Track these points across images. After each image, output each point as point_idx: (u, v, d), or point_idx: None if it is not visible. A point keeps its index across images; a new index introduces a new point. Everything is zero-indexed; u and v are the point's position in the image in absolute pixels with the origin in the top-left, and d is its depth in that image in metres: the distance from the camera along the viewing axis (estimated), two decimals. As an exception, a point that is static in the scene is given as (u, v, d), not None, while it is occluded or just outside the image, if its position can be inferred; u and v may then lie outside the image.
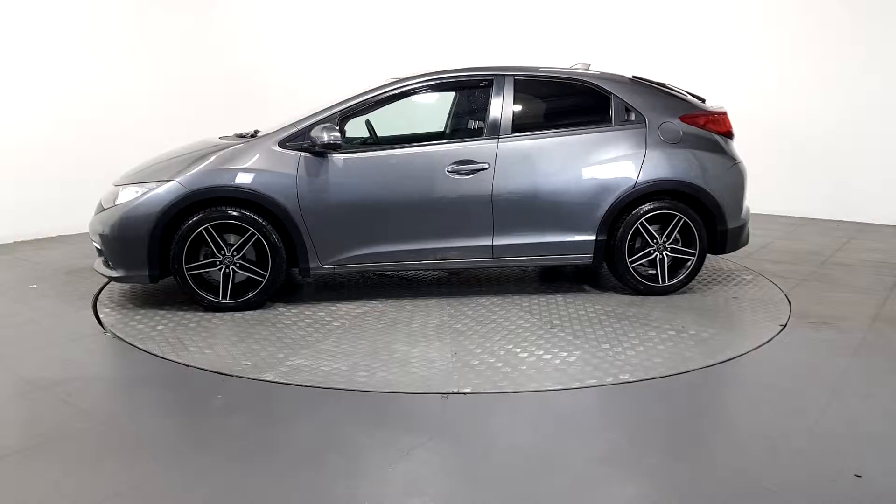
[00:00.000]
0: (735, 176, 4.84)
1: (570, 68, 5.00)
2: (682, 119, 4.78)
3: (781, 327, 4.17)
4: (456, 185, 4.43)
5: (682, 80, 8.03)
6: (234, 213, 4.25)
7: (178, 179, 4.23)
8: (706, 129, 4.82)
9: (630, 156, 4.64)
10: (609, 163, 4.62)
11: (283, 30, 8.45)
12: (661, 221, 4.73)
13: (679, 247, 4.77)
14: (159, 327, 4.10)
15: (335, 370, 3.47)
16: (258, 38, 8.25)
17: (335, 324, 4.19)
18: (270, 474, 2.52)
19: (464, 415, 3.04)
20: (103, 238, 4.33)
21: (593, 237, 4.63)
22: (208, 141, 4.74)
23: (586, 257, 4.67)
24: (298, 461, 2.62)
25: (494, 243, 4.54)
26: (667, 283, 4.78)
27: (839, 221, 7.78)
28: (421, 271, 5.30)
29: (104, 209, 4.39)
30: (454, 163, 4.44)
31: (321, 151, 4.33)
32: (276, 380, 3.35)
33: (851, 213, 7.82)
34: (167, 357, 3.65)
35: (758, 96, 8.26)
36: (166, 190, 4.21)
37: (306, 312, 4.41)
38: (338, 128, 4.33)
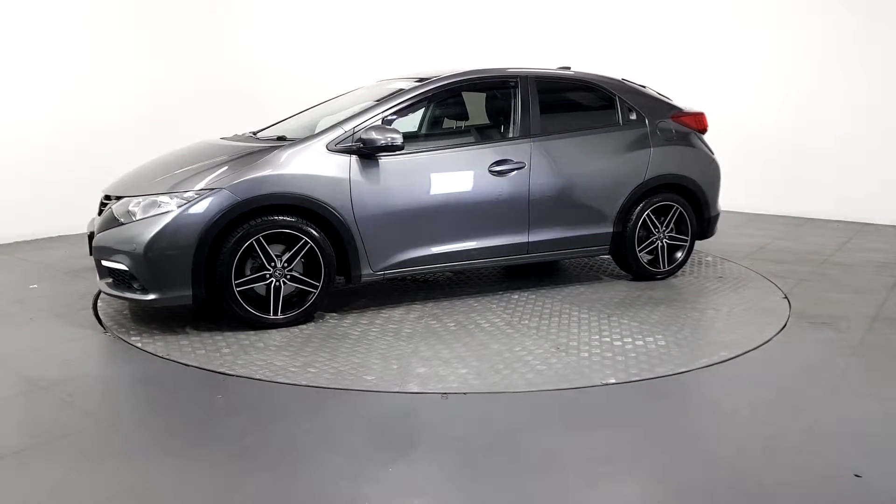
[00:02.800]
0: (715, 169, 5.35)
1: (556, 70, 5.21)
2: (673, 118, 5.21)
3: (781, 327, 4.17)
4: (498, 184, 4.53)
5: (683, 81, 8.06)
6: (293, 221, 3.97)
7: (223, 186, 3.86)
8: (691, 127, 5.29)
9: (638, 153, 4.98)
10: (623, 160, 4.95)
11: (283, 30, 8.45)
12: (658, 212, 5.09)
13: (675, 234, 5.16)
14: (224, 350, 3.72)
15: (463, 375, 3.39)
16: (259, 38, 8.24)
17: (406, 330, 4.05)
18: (270, 474, 2.52)
19: (463, 413, 3.04)
20: (133, 256, 3.80)
21: (611, 229, 4.93)
22: (210, 142, 4.61)
23: (605, 248, 4.99)
24: (298, 461, 2.62)
25: (530, 240, 4.68)
26: (668, 268, 5.16)
27: (839, 221, 7.77)
28: (428, 273, 5.26)
29: (121, 223, 3.92)
30: (494, 162, 4.53)
31: (371, 153, 4.17)
32: (420, 390, 3.22)
33: (851, 213, 7.81)
34: (275, 381, 3.33)
35: (758, 97, 8.25)
36: (212, 199, 3.83)
37: (362, 322, 4.19)
38: (393, 128, 4.20)
